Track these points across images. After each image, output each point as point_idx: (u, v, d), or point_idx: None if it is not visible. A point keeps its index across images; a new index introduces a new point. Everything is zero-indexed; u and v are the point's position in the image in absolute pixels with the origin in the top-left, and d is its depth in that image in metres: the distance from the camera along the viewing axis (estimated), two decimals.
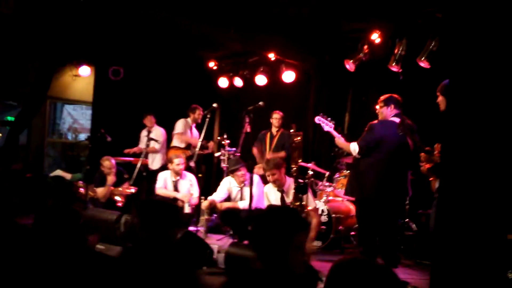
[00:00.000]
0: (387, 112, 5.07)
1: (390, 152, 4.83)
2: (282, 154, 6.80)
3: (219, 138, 7.16)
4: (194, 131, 7.69)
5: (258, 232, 2.15)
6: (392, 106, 5.05)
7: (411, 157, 4.98)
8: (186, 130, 7.56)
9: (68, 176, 4.49)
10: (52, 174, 4.60)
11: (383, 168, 4.86)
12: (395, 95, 5.10)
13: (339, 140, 5.05)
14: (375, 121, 5.09)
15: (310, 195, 5.42)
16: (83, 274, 3.07)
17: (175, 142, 7.55)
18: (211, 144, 7.49)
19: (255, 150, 6.98)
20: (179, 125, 7.50)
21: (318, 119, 5.12)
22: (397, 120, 4.97)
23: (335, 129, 5.11)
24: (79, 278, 3.02)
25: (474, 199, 3.31)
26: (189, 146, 7.42)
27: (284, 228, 2.09)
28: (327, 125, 5.07)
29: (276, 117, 7.03)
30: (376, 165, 4.87)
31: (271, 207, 2.88)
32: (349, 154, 5.60)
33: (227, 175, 6.44)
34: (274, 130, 7.09)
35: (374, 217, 4.92)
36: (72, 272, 3.16)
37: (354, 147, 4.92)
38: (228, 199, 6.30)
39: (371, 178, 4.87)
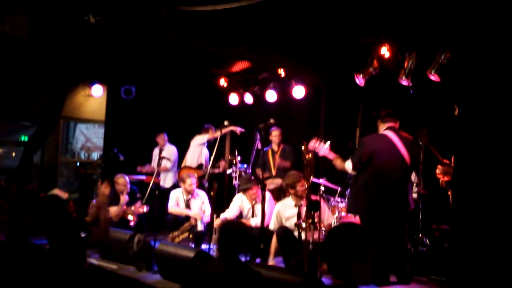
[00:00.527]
0: (379, 126, 5.12)
1: (383, 166, 4.80)
2: (288, 163, 6.84)
3: (230, 156, 7.18)
4: (205, 149, 7.73)
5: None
6: (380, 120, 5.08)
7: (409, 171, 4.95)
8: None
9: (64, 195, 4.51)
10: (49, 193, 4.63)
11: (377, 182, 4.82)
12: (385, 110, 5.12)
13: (336, 161, 5.01)
14: (366, 136, 5.11)
15: (326, 210, 5.41)
16: None
17: (188, 160, 7.61)
18: (222, 163, 7.52)
19: (258, 171, 6.99)
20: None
21: (311, 147, 4.94)
22: (389, 133, 4.94)
23: (331, 146, 5.01)
24: None
25: (490, 213, 3.27)
26: (201, 166, 7.45)
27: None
28: (321, 150, 4.97)
29: (275, 134, 7.12)
30: (370, 180, 4.84)
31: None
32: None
33: (239, 192, 6.44)
34: (274, 146, 7.18)
35: (377, 233, 4.87)
36: None
37: (348, 165, 4.91)
38: (240, 216, 6.30)
39: (367, 193, 4.84)
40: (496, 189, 3.36)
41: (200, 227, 6.34)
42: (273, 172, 7.08)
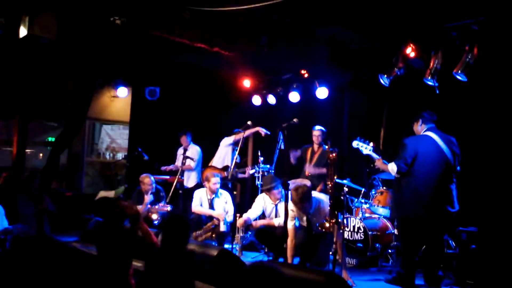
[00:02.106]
0: (417, 129, 5.07)
1: (429, 167, 4.75)
2: (323, 170, 6.74)
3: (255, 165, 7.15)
4: (232, 152, 7.71)
5: None
6: (420, 121, 5.02)
7: (453, 170, 4.88)
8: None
9: (111, 194, 4.59)
10: (97, 198, 4.71)
11: (424, 184, 4.78)
12: (425, 111, 5.07)
13: (379, 162, 5.02)
14: (407, 138, 5.05)
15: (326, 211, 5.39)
16: None
17: (215, 160, 7.64)
18: (248, 169, 7.46)
19: (292, 157, 6.94)
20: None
21: (356, 144, 5.06)
22: (431, 134, 4.89)
23: (374, 150, 5.04)
24: None
25: None
26: (226, 168, 7.47)
27: None
28: (366, 149, 5.02)
29: (315, 134, 6.94)
30: (414, 182, 4.80)
31: None
32: (385, 170, 5.52)
33: (262, 192, 6.43)
34: (315, 146, 7.04)
35: (418, 236, 4.82)
36: None
37: (392, 167, 4.88)
38: (263, 216, 6.29)
39: (411, 195, 4.79)
40: None
41: (223, 228, 6.36)
42: (307, 172, 6.99)
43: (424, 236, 4.83)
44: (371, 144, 5.02)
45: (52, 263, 3.64)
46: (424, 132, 4.98)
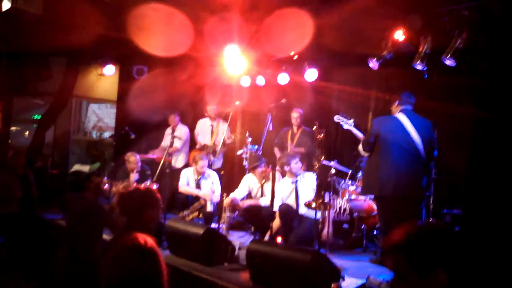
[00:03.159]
0: (393, 109, 5.11)
1: (389, 148, 4.78)
2: (302, 149, 6.83)
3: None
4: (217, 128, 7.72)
5: None
6: (397, 102, 5.06)
7: (421, 154, 4.90)
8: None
9: (85, 168, 4.57)
10: (71, 170, 4.70)
11: (386, 163, 4.81)
12: (404, 92, 5.11)
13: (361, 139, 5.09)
14: (375, 118, 5.11)
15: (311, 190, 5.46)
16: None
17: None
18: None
19: (276, 150, 6.99)
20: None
21: (337, 118, 5.19)
22: (400, 116, 4.93)
23: (355, 126, 5.13)
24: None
25: (501, 203, 3.24)
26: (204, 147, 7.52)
27: None
28: (346, 123, 5.13)
29: (294, 116, 7.01)
30: (379, 161, 4.85)
31: None
32: None
33: (248, 172, 6.46)
34: (294, 128, 7.09)
35: (391, 214, 4.86)
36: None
37: (359, 146, 4.95)
38: (250, 196, 6.32)
39: (377, 174, 4.84)
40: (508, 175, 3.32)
41: (209, 208, 6.38)
42: (290, 152, 7.03)
43: (396, 215, 4.84)
44: (352, 120, 5.11)
45: (39, 241, 3.63)
46: (396, 113, 5.02)
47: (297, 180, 5.56)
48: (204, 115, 7.91)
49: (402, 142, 4.84)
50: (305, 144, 6.94)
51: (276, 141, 7.17)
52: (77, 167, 4.65)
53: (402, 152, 4.82)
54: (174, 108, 8.05)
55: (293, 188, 5.59)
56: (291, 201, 5.61)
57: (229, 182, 7.24)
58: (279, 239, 4.93)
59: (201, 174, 6.61)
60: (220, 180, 6.76)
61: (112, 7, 5.99)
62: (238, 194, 6.16)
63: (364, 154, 4.99)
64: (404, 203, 4.80)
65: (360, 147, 4.97)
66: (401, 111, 5.00)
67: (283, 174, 5.94)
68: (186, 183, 6.63)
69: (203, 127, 7.84)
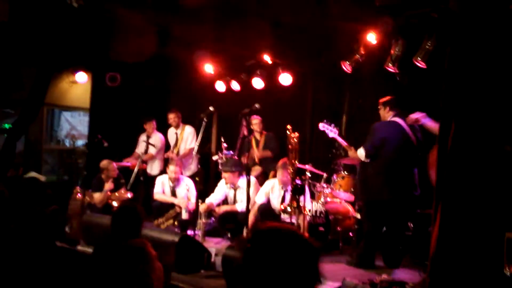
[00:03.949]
0: (384, 114, 5.16)
1: (396, 152, 4.88)
2: (268, 153, 6.85)
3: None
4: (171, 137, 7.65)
5: None
6: (388, 108, 5.13)
7: (416, 155, 5.01)
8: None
9: (42, 178, 4.51)
10: (26, 176, 4.61)
11: (390, 168, 4.90)
12: (391, 97, 5.18)
13: (350, 151, 5.14)
14: (376, 123, 5.15)
15: (308, 196, 5.46)
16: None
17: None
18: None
19: (244, 158, 6.98)
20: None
21: (322, 126, 5.25)
22: (398, 120, 5.01)
23: (339, 135, 5.20)
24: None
25: (474, 199, 3.28)
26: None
27: None
28: (332, 131, 5.18)
29: (255, 123, 7.05)
30: (383, 166, 4.92)
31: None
32: (346, 155, 5.62)
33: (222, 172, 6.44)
34: (257, 135, 7.12)
35: (382, 219, 4.94)
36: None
37: (361, 152, 4.98)
38: (226, 201, 6.30)
39: (380, 179, 4.90)
40: (481, 175, 3.36)
41: (184, 215, 6.32)
42: (256, 160, 7.05)
43: (388, 219, 4.94)
44: (336, 128, 5.18)
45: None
46: (391, 118, 5.09)
47: (286, 190, 5.59)
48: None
49: (405, 147, 4.96)
50: (272, 149, 6.96)
51: (242, 150, 7.13)
52: (33, 174, 4.57)
53: (405, 156, 4.95)
54: (148, 114, 7.97)
55: (281, 194, 5.62)
56: (276, 205, 5.66)
57: (204, 189, 7.17)
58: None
59: (176, 180, 6.55)
60: (195, 187, 6.70)
61: (83, 13, 5.89)
62: (213, 198, 6.13)
63: (365, 160, 5.01)
64: (401, 206, 4.90)
65: (363, 152, 4.97)
66: (395, 115, 5.09)
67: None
68: (161, 191, 6.55)
69: (170, 135, 7.77)
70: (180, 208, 6.33)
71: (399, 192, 4.90)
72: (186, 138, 7.52)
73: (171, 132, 7.74)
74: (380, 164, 4.96)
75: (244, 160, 6.84)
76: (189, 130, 7.50)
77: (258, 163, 7.05)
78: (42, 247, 3.48)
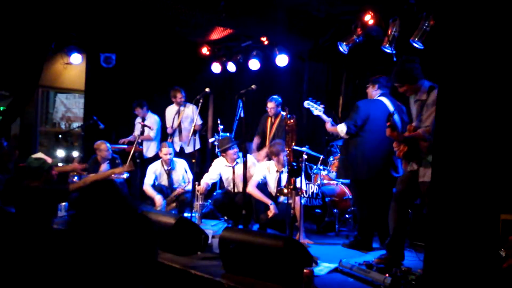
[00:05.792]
0: (371, 93, 5.12)
1: (378, 131, 4.81)
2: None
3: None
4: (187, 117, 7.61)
5: None
6: (376, 86, 5.07)
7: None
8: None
9: (49, 159, 4.48)
10: (34, 156, 4.57)
11: (372, 147, 4.85)
12: (382, 75, 5.12)
13: (327, 125, 5.10)
14: (361, 100, 5.11)
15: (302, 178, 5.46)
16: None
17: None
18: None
19: (256, 138, 6.94)
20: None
21: (307, 104, 5.19)
22: (384, 99, 4.95)
23: (325, 112, 5.14)
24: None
25: (467, 180, 3.29)
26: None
27: None
28: (317, 109, 5.13)
29: (270, 106, 6.87)
30: (364, 145, 4.87)
31: None
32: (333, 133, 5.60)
33: (221, 155, 6.40)
34: (272, 117, 7.00)
35: (369, 197, 4.93)
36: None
37: (341, 128, 4.93)
38: (221, 181, 6.31)
39: (361, 158, 4.87)
40: (474, 155, 3.35)
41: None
42: (267, 143, 6.95)
43: (372, 198, 4.93)
44: (322, 105, 5.12)
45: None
46: (377, 96, 5.04)
47: (282, 172, 5.56)
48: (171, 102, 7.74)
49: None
50: (280, 133, 6.88)
51: (258, 129, 7.07)
52: (41, 155, 4.54)
53: (387, 137, 4.87)
54: (142, 96, 7.91)
55: (277, 177, 5.60)
56: (272, 189, 5.64)
57: (201, 171, 7.17)
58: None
59: (170, 163, 6.53)
60: (191, 168, 6.68)
61: None
62: (208, 178, 6.11)
63: (345, 136, 4.97)
64: (388, 184, 4.87)
65: (344, 128, 4.90)
66: (382, 94, 5.03)
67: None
68: (151, 181, 6.49)
69: (171, 112, 7.70)
70: (181, 190, 6.32)
71: (379, 172, 4.86)
72: (192, 114, 7.43)
73: (173, 109, 7.65)
74: (362, 142, 4.89)
75: (257, 141, 6.83)
76: (193, 107, 7.44)
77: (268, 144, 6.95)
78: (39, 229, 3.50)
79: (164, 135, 7.81)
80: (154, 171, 6.55)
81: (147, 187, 6.43)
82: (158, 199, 6.24)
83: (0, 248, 2.90)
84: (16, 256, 3.06)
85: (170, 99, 7.61)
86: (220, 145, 6.24)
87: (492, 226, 3.49)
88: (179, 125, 7.52)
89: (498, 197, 3.37)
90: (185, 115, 7.52)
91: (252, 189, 5.49)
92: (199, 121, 7.34)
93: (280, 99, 6.84)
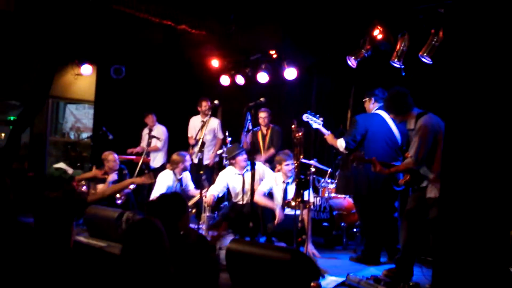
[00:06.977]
0: (368, 107, 5.14)
1: (377, 146, 4.80)
2: (272, 151, 6.81)
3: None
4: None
5: None
6: (373, 99, 5.10)
7: (398, 148, 4.97)
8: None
9: (70, 170, 4.51)
10: (55, 166, 4.60)
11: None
12: (377, 88, 5.14)
13: (328, 137, 5.11)
14: (359, 115, 5.12)
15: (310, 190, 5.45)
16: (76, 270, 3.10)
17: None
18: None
19: (246, 144, 6.94)
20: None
21: (305, 117, 5.19)
22: (382, 113, 4.96)
23: (324, 125, 5.15)
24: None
25: (477, 196, 3.27)
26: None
27: None
28: (316, 122, 5.14)
29: (262, 116, 6.94)
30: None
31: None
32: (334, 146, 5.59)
33: (229, 164, 6.38)
34: (263, 129, 7.07)
35: (372, 212, 4.91)
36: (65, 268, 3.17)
37: (340, 143, 4.94)
38: (229, 194, 6.29)
39: (361, 173, 4.85)
40: (483, 172, 3.33)
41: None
42: (261, 158, 7.00)
43: (374, 213, 4.90)
44: (321, 118, 5.14)
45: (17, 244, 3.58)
46: (375, 110, 5.05)
47: (288, 183, 5.57)
48: (196, 113, 7.74)
49: (387, 140, 4.90)
50: (275, 144, 6.92)
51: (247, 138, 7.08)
52: (62, 165, 4.57)
53: (388, 150, 4.88)
54: (151, 107, 7.97)
55: (283, 188, 5.60)
56: (279, 200, 5.63)
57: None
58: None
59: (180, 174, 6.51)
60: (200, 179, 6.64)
61: (89, 5, 5.89)
62: (215, 190, 6.08)
63: (344, 151, 4.99)
64: (389, 198, 4.86)
65: (343, 143, 4.93)
66: (380, 108, 5.04)
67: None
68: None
69: (195, 123, 7.68)
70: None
71: (379, 187, 4.84)
72: (214, 127, 7.51)
73: (197, 120, 7.66)
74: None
75: (246, 144, 6.81)
76: (216, 120, 7.49)
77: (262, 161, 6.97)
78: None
79: (175, 145, 7.81)
80: (167, 183, 6.37)
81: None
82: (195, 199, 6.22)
83: (20, 260, 2.92)
84: (37, 267, 3.08)
85: (180, 110, 7.65)
86: (228, 153, 6.24)
87: (502, 242, 3.46)
88: (203, 137, 7.47)
89: (508, 213, 3.34)
90: (209, 128, 7.49)
91: (258, 197, 5.49)
92: (221, 135, 7.44)
93: (270, 111, 6.98)
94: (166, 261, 2.43)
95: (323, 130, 5.16)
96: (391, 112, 4.42)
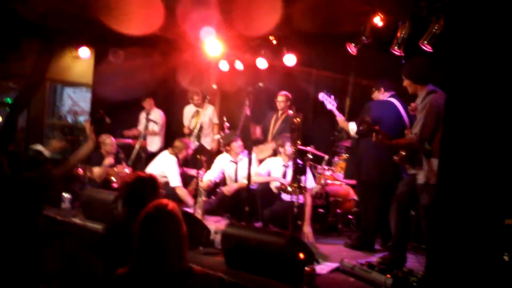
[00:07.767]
0: (378, 96, 5.13)
1: (388, 133, 4.79)
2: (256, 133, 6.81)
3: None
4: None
5: None
6: (382, 89, 5.09)
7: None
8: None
9: (46, 152, 4.48)
10: (32, 147, 4.58)
11: (382, 149, 4.83)
12: (385, 79, 5.13)
13: (340, 119, 5.11)
14: (372, 101, 5.11)
15: (310, 176, 5.45)
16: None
17: None
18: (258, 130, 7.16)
19: (258, 131, 6.89)
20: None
21: (322, 96, 5.19)
22: (394, 101, 4.96)
23: (337, 108, 5.16)
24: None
25: (473, 183, 3.26)
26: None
27: None
28: (330, 103, 5.14)
29: (280, 100, 6.83)
30: (375, 146, 4.85)
31: None
32: (348, 137, 5.60)
33: (225, 150, 6.36)
34: (279, 112, 6.97)
35: (377, 199, 4.92)
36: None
37: (352, 127, 4.94)
38: (224, 180, 6.29)
39: (371, 159, 4.85)
40: (480, 161, 3.32)
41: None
42: (269, 139, 6.90)
43: (381, 200, 4.92)
44: (336, 101, 5.13)
45: None
46: (387, 98, 5.04)
47: (288, 166, 5.56)
48: (188, 102, 7.72)
49: (399, 128, 4.90)
50: (283, 131, 6.86)
51: (257, 129, 7.06)
52: (39, 147, 4.55)
53: (398, 137, 4.86)
54: (149, 91, 7.93)
55: (283, 171, 5.60)
56: (278, 183, 5.65)
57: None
58: None
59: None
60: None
61: None
62: (211, 176, 6.08)
63: (355, 135, 4.99)
64: (391, 187, 4.87)
65: (353, 128, 4.94)
66: (391, 96, 5.05)
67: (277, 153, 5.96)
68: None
69: (189, 112, 7.66)
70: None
71: (388, 174, 4.85)
72: (209, 114, 7.50)
73: (191, 109, 7.61)
74: (371, 142, 4.91)
75: (253, 130, 6.75)
76: (211, 107, 7.51)
77: (270, 141, 6.89)
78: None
79: (171, 132, 7.81)
80: (176, 171, 6.39)
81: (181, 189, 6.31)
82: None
83: None
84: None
85: (177, 95, 7.62)
86: (223, 139, 6.22)
87: (496, 231, 3.46)
88: (196, 126, 7.41)
89: (503, 202, 3.34)
90: (205, 115, 7.44)
91: (256, 177, 5.49)
92: (216, 120, 7.47)
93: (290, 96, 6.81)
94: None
95: (336, 112, 5.16)
96: (410, 79, 4.31)
